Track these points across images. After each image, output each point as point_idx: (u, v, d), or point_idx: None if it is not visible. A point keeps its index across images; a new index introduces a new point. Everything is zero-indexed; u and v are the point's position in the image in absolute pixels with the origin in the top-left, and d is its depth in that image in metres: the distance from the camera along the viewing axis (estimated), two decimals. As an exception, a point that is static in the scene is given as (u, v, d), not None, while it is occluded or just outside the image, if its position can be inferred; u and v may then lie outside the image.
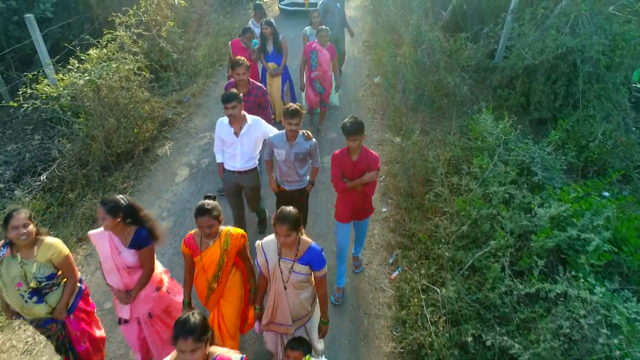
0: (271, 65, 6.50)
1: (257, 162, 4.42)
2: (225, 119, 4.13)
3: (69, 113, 5.95)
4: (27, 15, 6.59)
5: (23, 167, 6.39)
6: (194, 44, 10.42)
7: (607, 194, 4.81)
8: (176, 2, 9.20)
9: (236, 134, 4.08)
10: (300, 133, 3.99)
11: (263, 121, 4.24)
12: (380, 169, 6.21)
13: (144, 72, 6.35)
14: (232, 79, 4.97)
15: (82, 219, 5.29)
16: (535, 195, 4.43)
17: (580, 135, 6.15)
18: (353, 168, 3.71)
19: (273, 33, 6.31)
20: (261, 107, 4.95)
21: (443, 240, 4.33)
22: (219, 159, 4.41)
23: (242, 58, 4.66)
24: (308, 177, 4.36)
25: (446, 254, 3.99)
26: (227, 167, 4.33)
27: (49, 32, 8.24)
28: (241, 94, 4.57)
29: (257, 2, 7.33)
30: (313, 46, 6.14)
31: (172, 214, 5.34)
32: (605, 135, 5.96)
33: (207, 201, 2.98)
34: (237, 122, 4.06)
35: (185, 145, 6.69)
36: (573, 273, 3.34)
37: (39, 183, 6.01)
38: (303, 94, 6.76)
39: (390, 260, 4.59)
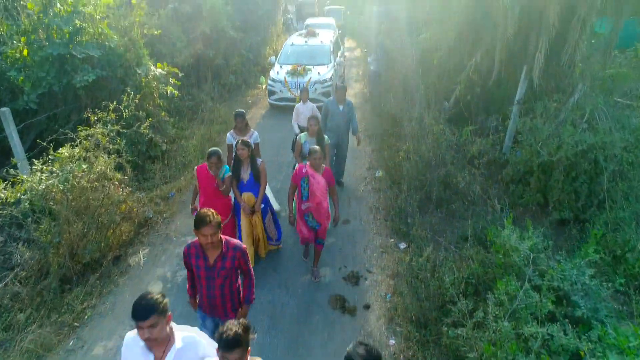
0: (246, 197, 5.14)
1: None
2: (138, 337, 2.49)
3: (30, 219, 5.23)
4: (2, 109, 6.14)
5: (-25, 278, 5.55)
6: (187, 132, 10.03)
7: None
8: (168, 93, 8.88)
9: None
10: None
11: (202, 341, 2.63)
12: (385, 285, 5.48)
13: (117, 175, 5.72)
14: (192, 241, 3.38)
15: (25, 353, 4.35)
16: (581, 334, 3.56)
17: (614, 243, 5.38)
18: None
19: (250, 156, 5.04)
20: (243, 273, 3.53)
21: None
22: None
23: (210, 213, 3.14)
24: None
25: None
26: None
27: (34, 122, 7.84)
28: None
29: (239, 110, 6.20)
30: (304, 171, 4.85)
31: (134, 346, 4.39)
32: (645, 245, 5.17)
33: None
34: (158, 346, 2.53)
35: (163, 252, 5.90)
36: None
37: (-12, 298, 5.14)
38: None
39: (403, 422, 3.59)
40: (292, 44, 13.07)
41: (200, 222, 3.12)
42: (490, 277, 4.56)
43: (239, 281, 3.56)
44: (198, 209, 5.02)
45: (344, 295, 5.10)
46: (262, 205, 5.30)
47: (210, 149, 4.89)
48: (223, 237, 3.33)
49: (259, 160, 5.21)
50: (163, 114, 8.86)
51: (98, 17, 8.18)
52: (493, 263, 4.70)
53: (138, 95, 6.92)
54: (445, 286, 4.37)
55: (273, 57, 12.96)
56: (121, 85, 8.23)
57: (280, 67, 11.97)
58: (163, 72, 8.90)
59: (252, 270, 3.55)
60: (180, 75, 9.59)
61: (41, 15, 7.63)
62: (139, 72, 8.37)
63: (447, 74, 8.31)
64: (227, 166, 5.09)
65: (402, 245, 5.84)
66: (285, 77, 11.40)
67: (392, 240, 6.00)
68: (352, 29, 23.35)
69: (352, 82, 14.79)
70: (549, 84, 7.31)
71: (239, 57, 14.26)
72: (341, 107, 6.94)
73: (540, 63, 6.78)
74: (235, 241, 3.43)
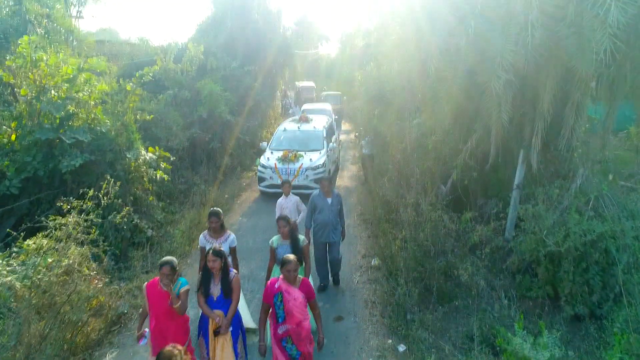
0: (218, 313, 4.21)
1: None
2: None
3: (-16, 319, 4.69)
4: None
5: None
6: (177, 216, 9.69)
7: None
8: (158, 177, 8.67)
9: None
10: None
11: None
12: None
13: (86, 268, 5.27)
14: None
15: None
16: None
17: (639, 345, 4.78)
18: None
19: (222, 268, 4.19)
20: None
21: None
22: None
23: (177, 352, 2.59)
24: None
25: None
26: None
27: (15, 207, 7.53)
28: None
29: (214, 208, 5.49)
30: (277, 287, 3.98)
31: None
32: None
33: None
34: None
35: (132, 355, 5.26)
36: None
37: None
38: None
39: None
40: (285, 130, 12.76)
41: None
42: (504, 392, 3.94)
43: None
44: (146, 336, 4.33)
45: (335, 411, 4.41)
46: (231, 328, 4.27)
47: (163, 258, 4.23)
48: None
49: (232, 272, 4.32)
50: (151, 198, 8.58)
51: (92, 102, 8.21)
52: (505, 374, 4.09)
53: (119, 183, 6.64)
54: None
55: (264, 143, 12.55)
56: (109, 169, 8.06)
57: (271, 152, 11.57)
58: (154, 157, 8.76)
59: None
60: (172, 159, 9.46)
61: (34, 101, 7.63)
62: (129, 156, 8.23)
63: (442, 158, 8.14)
64: (183, 278, 4.28)
65: (401, 348, 5.21)
66: (275, 163, 10.92)
67: (390, 341, 5.38)
68: (349, 113, 24.11)
69: (348, 164, 14.80)
70: (547, 168, 7.10)
71: (235, 140, 14.37)
72: (329, 200, 6.36)
73: (538, 148, 6.62)
74: None
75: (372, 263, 7.27)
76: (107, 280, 6.82)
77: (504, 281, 6.46)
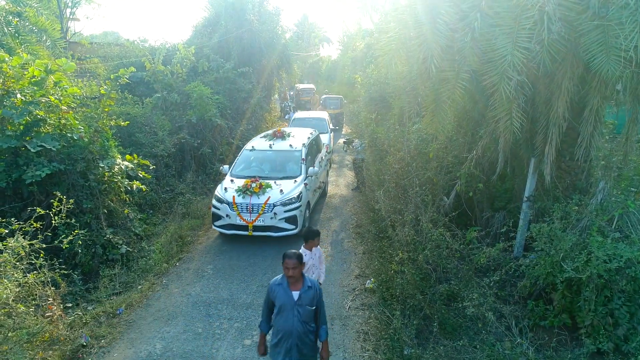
0: None
1: None
2: None
3: None
4: None
5: None
6: (159, 228, 9.00)
7: None
8: (135, 188, 7.98)
9: None
10: None
11: None
12: None
13: (34, 297, 4.57)
14: None
15: None
16: None
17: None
18: None
19: None
20: None
21: None
22: None
23: None
24: None
25: None
26: None
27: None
28: None
29: None
30: None
31: None
32: None
33: None
34: None
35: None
36: None
37: None
38: None
39: None
40: (253, 149, 9.92)
41: None
42: None
43: None
44: None
45: None
46: None
47: None
48: None
49: None
50: (126, 211, 7.88)
51: (64, 107, 7.54)
52: None
53: (71, 201, 5.95)
54: None
55: (226, 166, 9.59)
56: (81, 179, 7.38)
57: (232, 180, 8.81)
58: (131, 165, 8.07)
59: None
60: (151, 167, 8.77)
61: (-5, 107, 6.96)
62: (102, 165, 7.55)
63: (445, 168, 7.42)
64: None
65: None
66: (234, 197, 8.24)
67: (384, 384, 4.65)
68: (349, 117, 23.50)
69: (345, 170, 14.10)
70: (562, 180, 6.36)
71: (227, 145, 13.70)
72: (296, 294, 3.76)
73: (551, 157, 5.89)
74: None
75: (367, 285, 6.54)
76: (72, 304, 6.18)
77: (514, 307, 5.73)
